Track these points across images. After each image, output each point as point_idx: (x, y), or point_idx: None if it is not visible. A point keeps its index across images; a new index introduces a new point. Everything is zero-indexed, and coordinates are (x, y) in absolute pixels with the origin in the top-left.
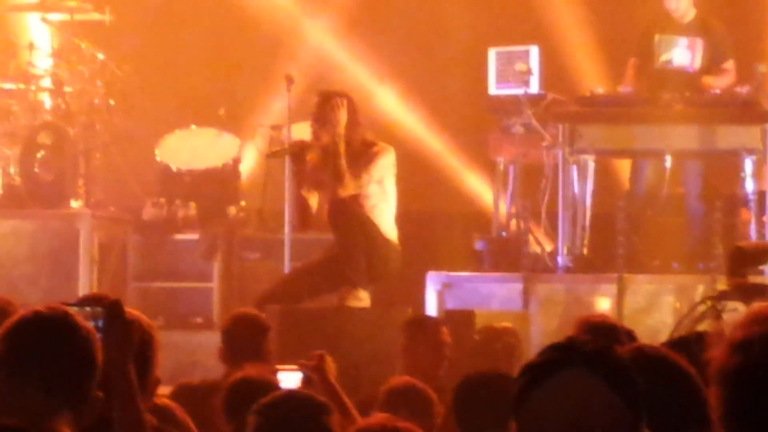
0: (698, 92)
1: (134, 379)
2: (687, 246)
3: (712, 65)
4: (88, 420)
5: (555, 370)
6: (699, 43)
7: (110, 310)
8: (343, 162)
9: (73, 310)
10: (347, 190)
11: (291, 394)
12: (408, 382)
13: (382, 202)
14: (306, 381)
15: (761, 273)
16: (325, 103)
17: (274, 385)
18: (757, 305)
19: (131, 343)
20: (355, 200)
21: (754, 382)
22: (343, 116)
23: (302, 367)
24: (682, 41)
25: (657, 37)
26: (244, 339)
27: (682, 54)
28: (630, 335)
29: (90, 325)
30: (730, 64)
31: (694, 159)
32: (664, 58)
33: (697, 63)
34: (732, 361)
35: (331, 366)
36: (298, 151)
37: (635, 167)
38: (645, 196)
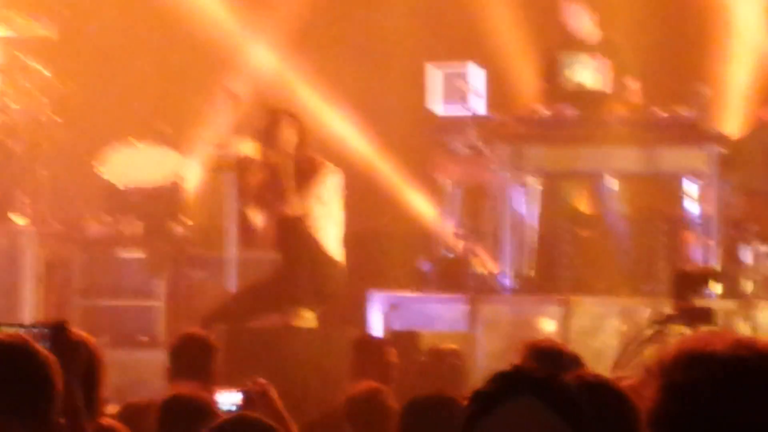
0: (606, 112)
1: (81, 400)
2: (627, 267)
3: (616, 85)
4: None
5: (504, 398)
6: (607, 64)
7: (55, 331)
8: (291, 182)
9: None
10: (293, 209)
11: (241, 418)
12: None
13: (328, 223)
14: (247, 402)
15: (707, 297)
16: (274, 121)
17: (206, 404)
18: (686, 341)
19: (77, 365)
20: (301, 220)
21: (700, 429)
22: (292, 136)
23: (246, 390)
24: (591, 63)
25: (566, 59)
26: (191, 358)
27: (591, 76)
28: (576, 360)
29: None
30: (635, 85)
31: (639, 180)
32: (575, 80)
33: (607, 84)
34: (673, 406)
35: (274, 391)
36: (243, 167)
37: (583, 189)
38: (590, 218)
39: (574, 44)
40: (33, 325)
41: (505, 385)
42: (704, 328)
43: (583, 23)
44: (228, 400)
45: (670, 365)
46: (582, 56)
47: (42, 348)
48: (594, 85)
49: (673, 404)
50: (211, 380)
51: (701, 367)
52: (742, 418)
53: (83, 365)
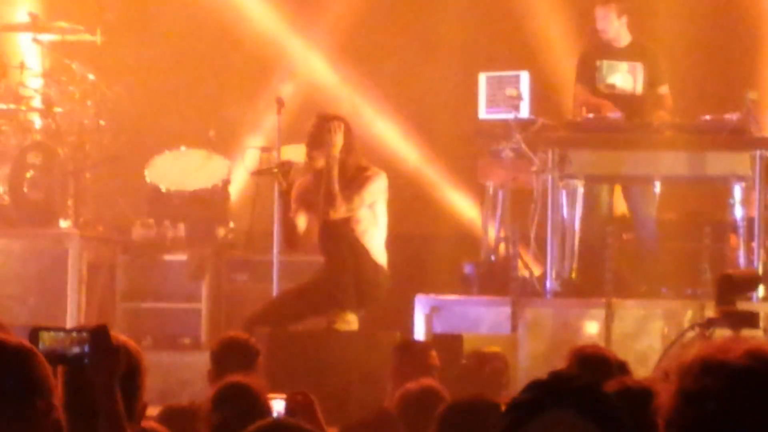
0: (645, 117)
1: (121, 405)
2: (670, 269)
3: (650, 89)
4: None
5: (541, 409)
6: (639, 68)
7: (95, 335)
8: (336, 185)
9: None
10: (338, 213)
11: (280, 423)
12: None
13: (373, 227)
14: (289, 411)
15: (749, 300)
16: (321, 125)
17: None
18: (704, 347)
19: (117, 368)
20: (346, 224)
21: None
22: (339, 139)
23: (290, 398)
24: (623, 66)
25: (598, 62)
26: (234, 361)
27: (624, 78)
28: (622, 367)
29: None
30: (665, 89)
31: (684, 184)
32: (607, 82)
33: (639, 87)
34: (685, 413)
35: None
36: (284, 171)
37: (625, 193)
38: (633, 222)
39: (609, 51)
40: (74, 329)
41: (543, 395)
42: (748, 332)
43: (614, 27)
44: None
45: (685, 371)
46: (619, 63)
47: (20, 342)
48: (625, 88)
49: (684, 410)
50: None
51: (713, 375)
52: (750, 427)
53: (124, 369)
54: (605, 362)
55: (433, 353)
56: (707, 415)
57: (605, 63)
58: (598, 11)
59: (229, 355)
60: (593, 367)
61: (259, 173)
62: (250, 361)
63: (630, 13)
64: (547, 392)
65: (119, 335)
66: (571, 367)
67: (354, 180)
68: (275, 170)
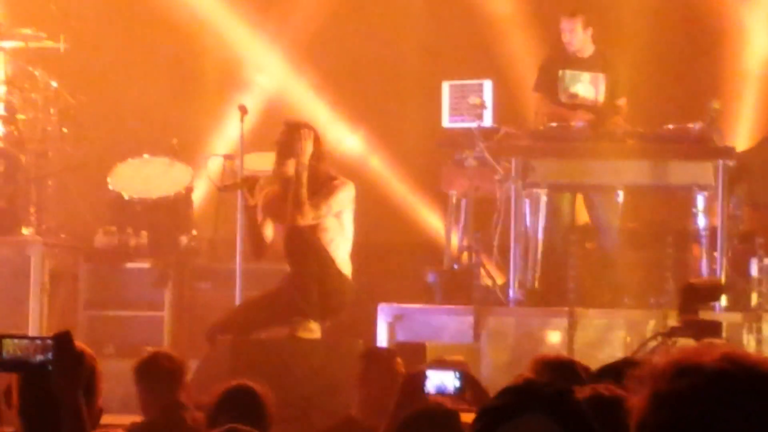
0: (605, 126)
1: (84, 410)
2: (633, 279)
3: (610, 100)
4: None
5: (513, 414)
6: (601, 78)
7: (59, 341)
8: (305, 192)
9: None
10: (306, 219)
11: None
12: None
13: (340, 236)
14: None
15: (712, 309)
16: (291, 133)
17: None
18: (678, 351)
19: (81, 374)
20: (313, 232)
21: None
22: (308, 147)
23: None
24: (585, 76)
25: (561, 72)
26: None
27: (586, 89)
28: (587, 371)
29: None
30: (623, 101)
31: (647, 193)
32: (570, 92)
33: (601, 98)
34: (658, 415)
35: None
36: (250, 186)
37: (588, 202)
38: (596, 231)
39: (572, 61)
40: (38, 336)
41: (514, 400)
42: (710, 341)
43: (580, 39)
44: (443, 379)
45: (658, 374)
46: (581, 73)
47: None
48: (587, 97)
49: (657, 413)
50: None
51: (687, 378)
52: (722, 430)
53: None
54: (571, 368)
55: (399, 360)
56: (681, 418)
57: (568, 73)
58: (565, 24)
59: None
60: (560, 374)
61: (225, 189)
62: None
63: (595, 24)
64: (519, 397)
65: (76, 341)
66: (538, 375)
67: (322, 188)
68: (242, 186)
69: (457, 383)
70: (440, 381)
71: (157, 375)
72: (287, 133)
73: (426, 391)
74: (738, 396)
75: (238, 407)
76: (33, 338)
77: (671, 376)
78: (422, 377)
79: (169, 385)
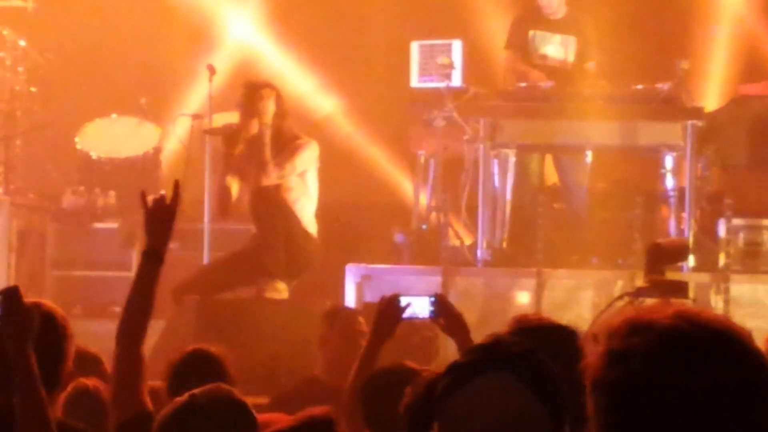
0: (575, 87)
1: (34, 367)
2: (601, 239)
3: (580, 63)
4: None
5: (478, 371)
6: (572, 41)
7: (6, 297)
8: (269, 151)
9: None
10: (270, 179)
11: (213, 391)
12: None
13: (304, 196)
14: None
15: (679, 270)
16: (253, 93)
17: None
18: (632, 311)
19: (29, 330)
20: (277, 191)
21: (633, 396)
22: (270, 107)
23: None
24: (556, 38)
25: (531, 32)
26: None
27: (556, 50)
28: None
29: None
30: (592, 65)
31: (615, 154)
32: (540, 53)
33: (570, 59)
34: (611, 372)
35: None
36: (231, 134)
37: (557, 162)
38: (565, 192)
39: (542, 22)
40: None
41: (480, 357)
42: (677, 301)
43: (556, 2)
44: (417, 305)
45: (612, 332)
46: (551, 35)
47: None
48: (556, 58)
49: (610, 370)
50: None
51: (639, 335)
52: (674, 387)
53: (46, 335)
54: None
55: (361, 319)
56: (633, 375)
57: (538, 34)
58: None
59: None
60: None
61: (211, 132)
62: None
63: None
64: (485, 355)
65: (46, 302)
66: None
67: (286, 147)
68: (224, 131)
69: (432, 309)
70: (415, 306)
71: None
72: (248, 94)
73: (401, 315)
74: (689, 352)
75: (197, 373)
76: None
77: (624, 334)
78: (397, 300)
79: None
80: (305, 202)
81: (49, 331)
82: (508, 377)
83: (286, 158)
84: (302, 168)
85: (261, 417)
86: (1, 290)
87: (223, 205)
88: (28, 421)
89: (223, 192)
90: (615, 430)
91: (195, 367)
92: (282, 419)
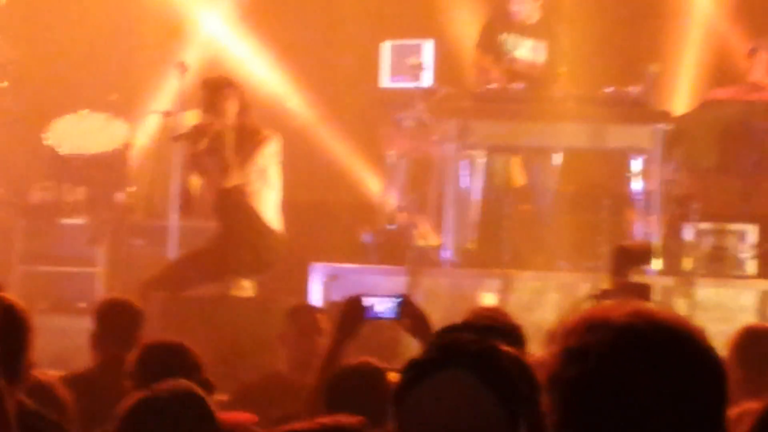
0: (545, 90)
1: None
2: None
3: (550, 68)
4: None
5: (436, 368)
6: (542, 47)
7: None
8: (231, 153)
9: None
10: (232, 181)
11: (176, 388)
12: None
13: (266, 190)
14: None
15: (643, 273)
16: (214, 92)
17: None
18: (587, 310)
19: None
20: (239, 189)
21: (588, 393)
22: (232, 106)
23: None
24: (528, 43)
25: (503, 35)
26: (117, 325)
27: (527, 54)
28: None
29: None
30: (564, 70)
31: (584, 156)
32: (511, 56)
33: (540, 63)
34: (567, 370)
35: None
36: (197, 134)
37: (526, 164)
38: (534, 193)
39: (514, 25)
40: None
41: (438, 355)
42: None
43: (528, 8)
44: (382, 305)
45: (569, 330)
46: (523, 39)
47: None
48: (526, 62)
49: (567, 368)
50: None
51: (595, 333)
52: (630, 384)
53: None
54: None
55: (320, 316)
56: (588, 372)
57: (510, 37)
58: None
59: (113, 318)
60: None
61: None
62: (134, 324)
63: None
64: (443, 352)
65: (6, 295)
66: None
67: (247, 144)
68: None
69: (396, 310)
70: (379, 307)
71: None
72: (210, 94)
73: (366, 315)
74: (644, 350)
75: (165, 363)
76: None
77: (581, 332)
78: (361, 300)
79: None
80: (267, 196)
81: (9, 323)
82: (466, 375)
83: (247, 156)
84: (264, 164)
85: (224, 415)
86: None
87: (187, 202)
88: None
89: (186, 190)
90: (571, 427)
91: (162, 358)
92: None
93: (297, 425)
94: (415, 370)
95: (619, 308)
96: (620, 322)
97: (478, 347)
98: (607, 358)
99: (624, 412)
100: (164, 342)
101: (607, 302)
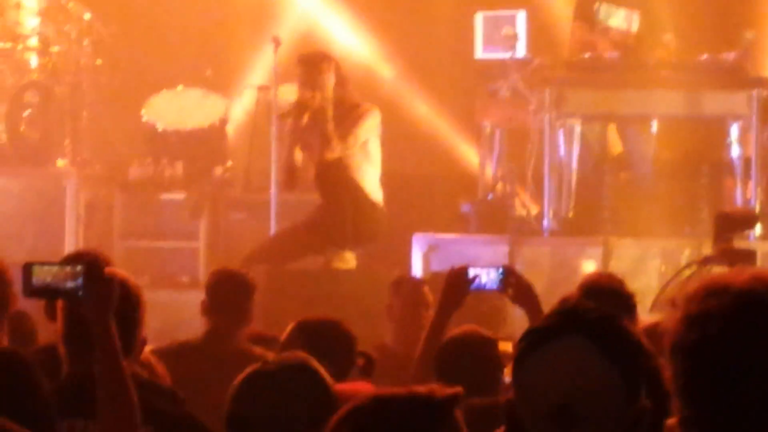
0: (640, 57)
1: (116, 337)
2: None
3: (647, 37)
4: None
5: (554, 335)
6: (635, 16)
7: (89, 268)
8: (332, 126)
9: None
10: (335, 153)
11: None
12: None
13: (367, 164)
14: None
15: (746, 238)
16: (311, 68)
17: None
18: (709, 276)
19: (111, 301)
20: (341, 162)
21: (711, 357)
22: (330, 80)
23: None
24: (621, 12)
25: (597, 4)
26: (228, 295)
27: (620, 22)
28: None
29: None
30: (668, 38)
31: (681, 123)
32: (604, 25)
33: (633, 32)
34: (689, 335)
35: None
36: (299, 109)
37: (622, 132)
38: (632, 160)
39: None
40: (68, 263)
41: (558, 322)
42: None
43: None
44: (485, 275)
45: (690, 296)
46: (617, 8)
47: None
48: (621, 30)
49: (688, 333)
50: (247, 318)
51: (715, 298)
52: (751, 347)
53: (123, 304)
54: (617, 294)
55: (426, 289)
56: (710, 337)
57: (603, 6)
58: None
59: (224, 288)
60: (604, 298)
61: (286, 116)
62: (244, 296)
63: None
64: (562, 319)
65: (119, 271)
66: (581, 296)
67: (347, 117)
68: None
69: (500, 280)
70: (483, 278)
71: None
72: (307, 69)
73: (470, 286)
74: (765, 313)
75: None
76: (63, 265)
77: (701, 298)
78: (465, 272)
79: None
80: (368, 170)
81: (124, 299)
82: (584, 342)
83: (348, 129)
84: (365, 137)
85: (342, 385)
86: (84, 262)
87: (291, 177)
88: (110, 390)
89: (291, 165)
90: (694, 391)
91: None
92: (364, 387)
93: (388, 391)
94: (532, 337)
95: (738, 274)
96: (740, 287)
97: (599, 315)
98: (728, 322)
99: (746, 375)
100: (322, 319)
101: (717, 271)
